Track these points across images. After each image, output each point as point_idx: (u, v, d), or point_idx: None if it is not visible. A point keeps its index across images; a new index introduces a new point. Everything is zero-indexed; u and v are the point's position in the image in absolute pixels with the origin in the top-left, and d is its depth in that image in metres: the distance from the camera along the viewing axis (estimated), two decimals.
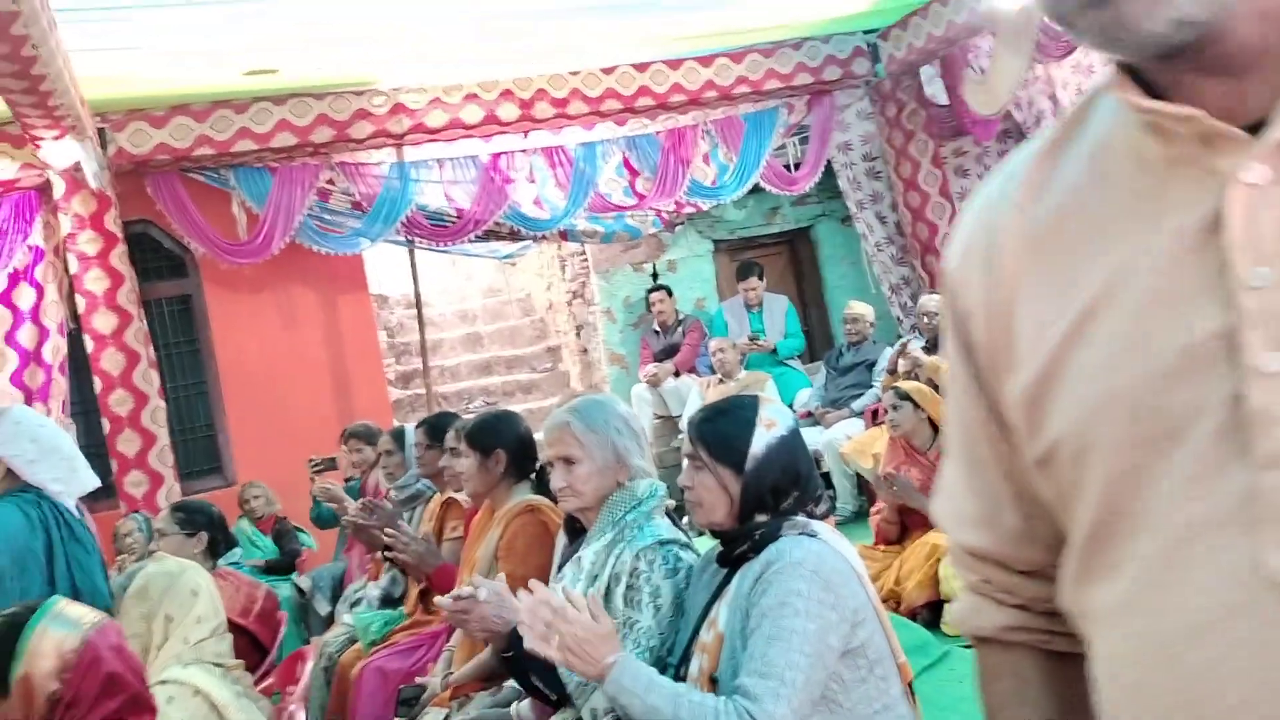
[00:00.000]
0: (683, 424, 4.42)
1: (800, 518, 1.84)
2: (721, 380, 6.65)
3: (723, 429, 1.88)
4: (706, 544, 2.06)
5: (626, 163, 6.77)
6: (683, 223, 7.80)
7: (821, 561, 1.73)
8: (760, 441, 1.86)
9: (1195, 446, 0.58)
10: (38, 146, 4.79)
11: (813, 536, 1.79)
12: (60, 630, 1.81)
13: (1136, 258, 0.61)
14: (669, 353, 7.22)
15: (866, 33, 6.70)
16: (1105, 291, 0.62)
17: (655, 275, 7.82)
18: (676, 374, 7.11)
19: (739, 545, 1.84)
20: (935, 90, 6.97)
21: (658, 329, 7.40)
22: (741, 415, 1.88)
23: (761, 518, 1.85)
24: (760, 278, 7.29)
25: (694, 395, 6.70)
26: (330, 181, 6.14)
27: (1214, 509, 0.57)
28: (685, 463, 1.94)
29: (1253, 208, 0.56)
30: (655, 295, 7.38)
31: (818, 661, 1.67)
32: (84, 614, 1.89)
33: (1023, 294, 0.68)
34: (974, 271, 0.72)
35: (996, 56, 6.07)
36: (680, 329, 7.32)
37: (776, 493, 1.86)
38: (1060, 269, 0.65)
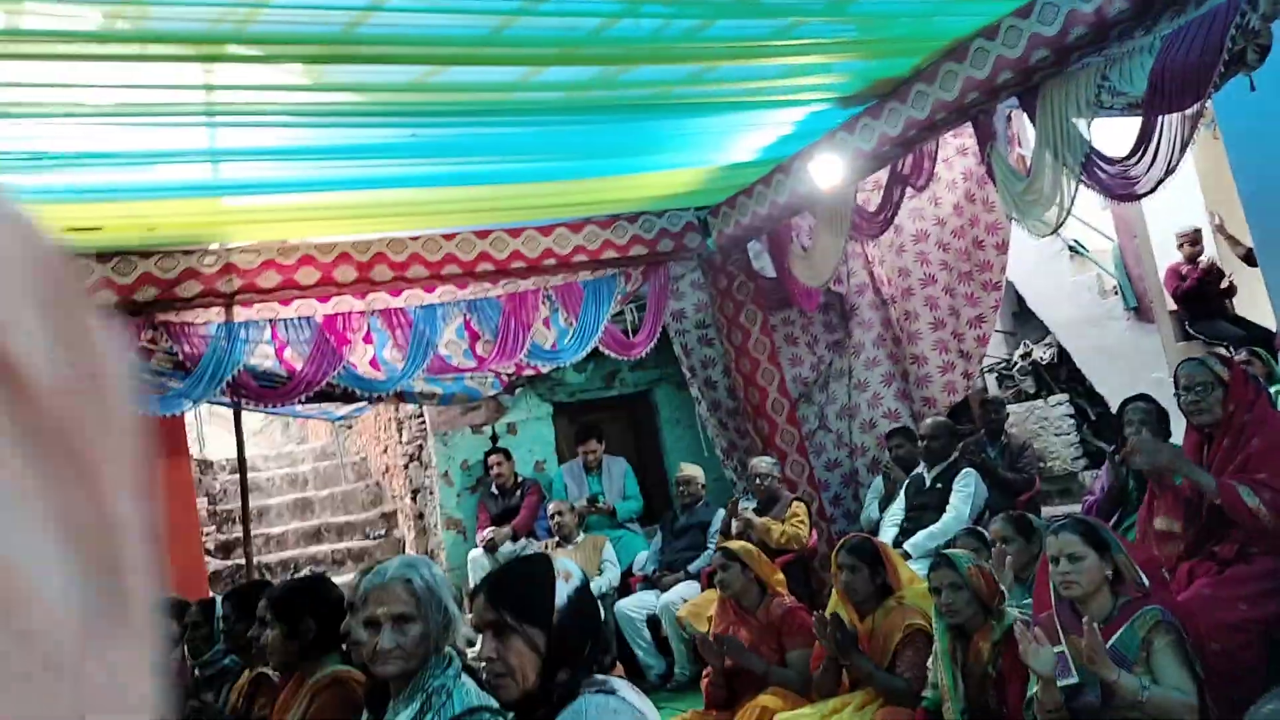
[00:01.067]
0: None
1: (598, 675, 1.81)
2: (560, 543, 6.57)
3: (525, 588, 1.85)
4: None
5: (467, 325, 6.79)
6: (523, 385, 7.84)
7: None
8: (562, 593, 1.84)
9: None
10: None
11: (611, 694, 1.75)
12: None
13: None
14: (507, 516, 7.11)
15: (698, 209, 7.07)
16: None
17: (495, 438, 7.78)
18: (515, 538, 6.98)
19: (538, 707, 1.78)
20: (763, 264, 7.37)
21: (496, 492, 7.30)
22: (539, 570, 1.86)
23: (563, 674, 1.81)
24: (600, 440, 7.35)
25: None
26: (152, 341, 5.91)
27: None
28: (483, 635, 1.85)
29: None
30: (494, 458, 7.32)
31: None
32: None
33: None
34: None
35: (817, 234, 6.49)
36: (519, 492, 7.25)
37: (579, 644, 1.83)
38: None
